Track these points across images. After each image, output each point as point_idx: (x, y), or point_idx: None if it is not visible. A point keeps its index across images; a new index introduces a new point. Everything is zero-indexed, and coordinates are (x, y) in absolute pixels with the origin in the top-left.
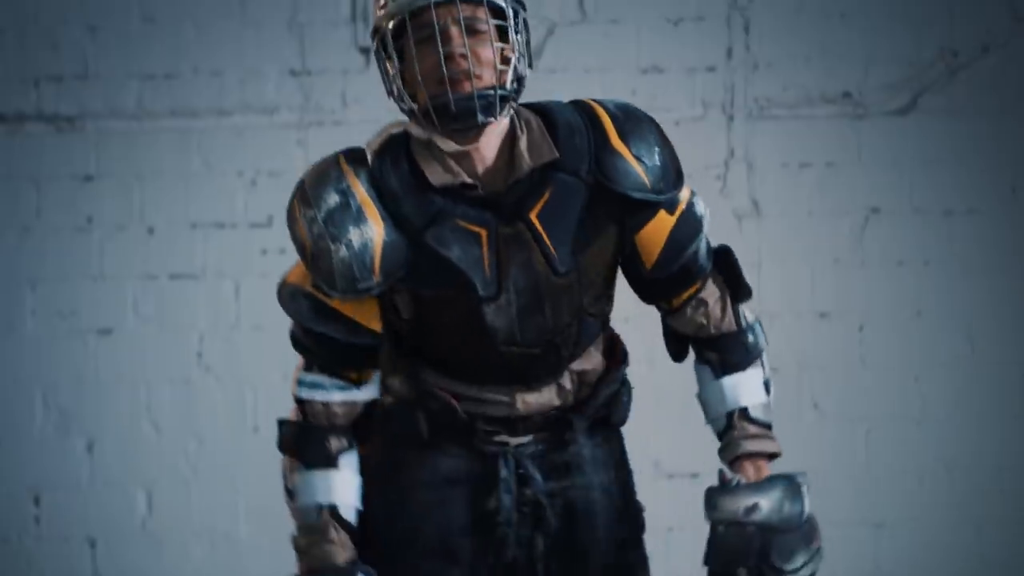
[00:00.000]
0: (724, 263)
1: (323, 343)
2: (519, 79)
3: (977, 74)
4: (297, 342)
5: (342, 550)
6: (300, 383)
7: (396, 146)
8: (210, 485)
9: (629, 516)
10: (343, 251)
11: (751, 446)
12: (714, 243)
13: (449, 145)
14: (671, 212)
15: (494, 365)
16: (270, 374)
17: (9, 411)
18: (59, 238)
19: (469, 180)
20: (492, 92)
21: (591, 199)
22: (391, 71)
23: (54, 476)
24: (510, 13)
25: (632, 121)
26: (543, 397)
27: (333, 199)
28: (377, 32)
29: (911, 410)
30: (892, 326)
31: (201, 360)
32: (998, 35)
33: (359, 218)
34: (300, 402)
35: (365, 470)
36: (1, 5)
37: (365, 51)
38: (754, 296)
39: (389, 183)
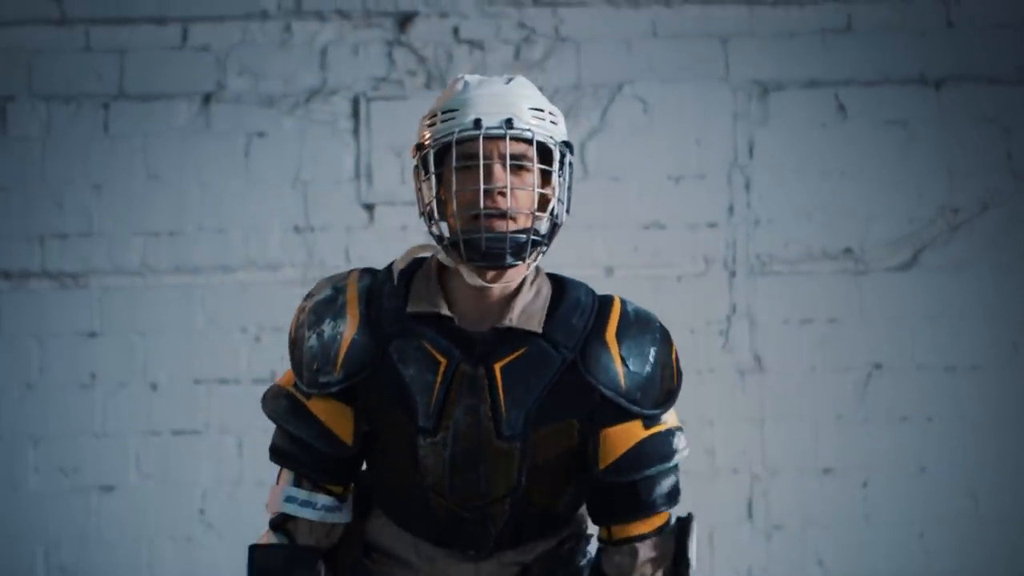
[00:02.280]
0: (679, 529)
1: (304, 450)
2: (555, 225)
3: (977, 231)
4: (279, 452)
5: None
6: (288, 499)
7: (408, 269)
8: None
9: None
10: (313, 340)
11: None
12: (716, 401)
13: (474, 279)
14: (646, 427)
15: (424, 515)
16: None
17: (11, 569)
18: (62, 394)
19: (446, 312)
20: (525, 236)
21: (562, 378)
22: (427, 194)
23: None
24: (556, 156)
25: (639, 327)
26: (460, 566)
27: (326, 293)
28: (419, 149)
29: (915, 567)
30: (896, 482)
31: (203, 516)
32: (997, 193)
33: (339, 313)
34: (285, 519)
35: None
36: (7, 164)
37: (368, 207)
38: (758, 452)
39: (380, 293)
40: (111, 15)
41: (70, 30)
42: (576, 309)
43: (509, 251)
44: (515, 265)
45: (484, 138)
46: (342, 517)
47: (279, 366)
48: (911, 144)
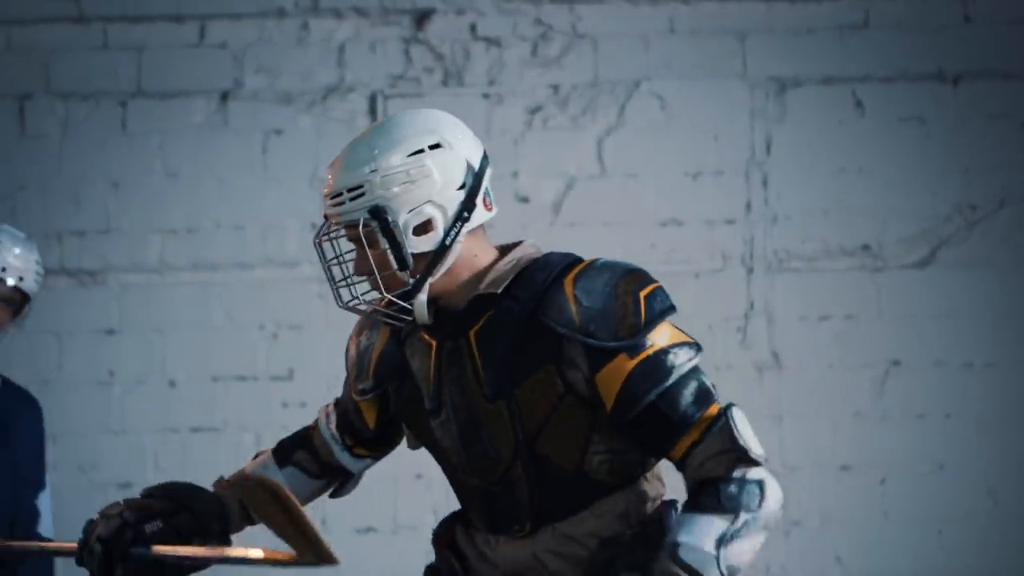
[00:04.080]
0: (725, 425)
1: (341, 405)
2: (407, 269)
3: (994, 228)
4: (338, 401)
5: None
6: (322, 418)
7: None
8: None
9: None
10: (353, 350)
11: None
12: (734, 397)
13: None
14: (631, 358)
15: (470, 501)
16: None
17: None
18: (80, 392)
19: (428, 299)
20: (385, 312)
21: (527, 329)
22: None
23: None
24: (361, 233)
25: (600, 271)
26: (517, 549)
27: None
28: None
29: (933, 564)
30: (914, 479)
31: None
32: (1014, 189)
33: (374, 324)
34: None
35: None
36: (25, 162)
37: None
38: (776, 448)
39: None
40: (128, 13)
41: (87, 28)
42: (544, 268)
43: (383, 317)
44: (398, 320)
45: (320, 235)
46: (340, 456)
47: (296, 363)
48: (928, 141)
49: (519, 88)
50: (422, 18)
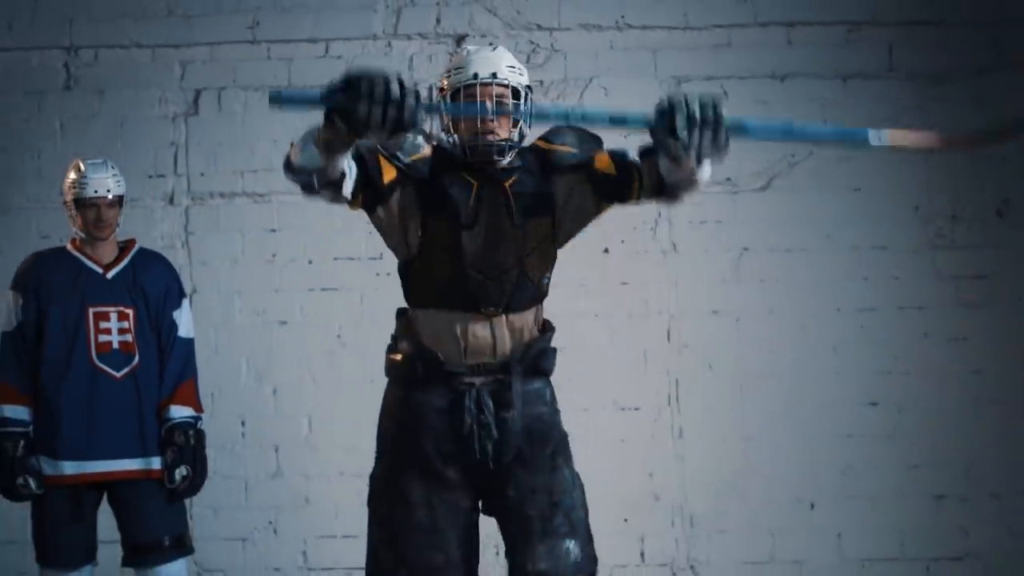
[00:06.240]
0: (645, 152)
1: (356, 155)
2: (522, 136)
3: (806, 167)
4: (358, 151)
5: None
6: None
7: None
8: None
9: (556, 436)
10: (411, 139)
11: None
12: (647, 270)
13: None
14: (602, 150)
15: (460, 286)
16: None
17: (222, 371)
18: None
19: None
20: (504, 143)
21: (539, 187)
22: (445, 119)
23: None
24: (522, 94)
25: (551, 132)
26: (483, 332)
27: (411, 136)
28: (440, 92)
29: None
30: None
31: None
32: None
33: (421, 145)
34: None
35: (383, 404)
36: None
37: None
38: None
39: (442, 154)
40: (285, 37)
41: (256, 47)
42: (530, 150)
43: (495, 152)
44: (498, 161)
45: (480, 84)
46: (344, 187)
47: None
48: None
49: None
50: (460, 39)
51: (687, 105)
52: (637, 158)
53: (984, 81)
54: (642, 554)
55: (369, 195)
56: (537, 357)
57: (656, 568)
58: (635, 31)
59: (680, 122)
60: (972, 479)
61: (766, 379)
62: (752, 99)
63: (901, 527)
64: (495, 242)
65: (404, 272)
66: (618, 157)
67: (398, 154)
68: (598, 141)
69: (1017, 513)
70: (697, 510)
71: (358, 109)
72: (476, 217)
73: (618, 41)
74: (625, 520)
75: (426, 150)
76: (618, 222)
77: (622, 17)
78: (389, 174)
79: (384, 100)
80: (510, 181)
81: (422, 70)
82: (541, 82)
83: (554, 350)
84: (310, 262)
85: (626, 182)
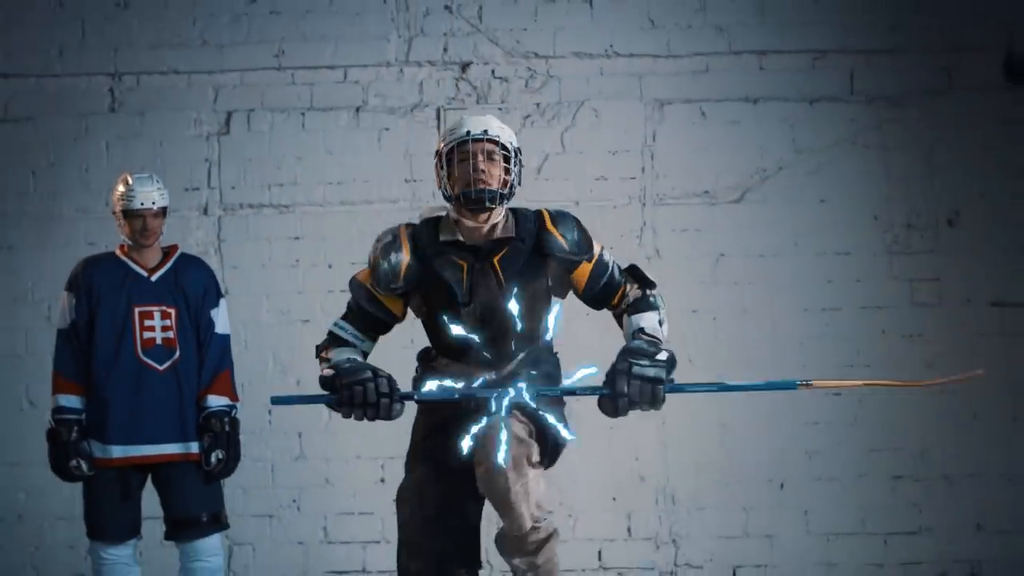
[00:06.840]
0: (632, 273)
1: (361, 314)
2: (511, 189)
3: (776, 182)
4: (350, 309)
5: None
6: (336, 325)
7: (433, 219)
8: None
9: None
10: (385, 265)
11: (645, 333)
12: (624, 264)
13: (470, 220)
14: (589, 262)
15: (467, 349)
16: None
17: (251, 365)
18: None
19: (461, 239)
20: (496, 192)
21: (530, 258)
22: (442, 177)
23: None
24: (512, 152)
25: (560, 216)
26: (495, 375)
27: (387, 239)
28: (438, 154)
29: None
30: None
31: None
32: (788, 159)
33: (398, 248)
34: (331, 334)
35: (413, 428)
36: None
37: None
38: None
39: (421, 235)
40: (307, 64)
41: (282, 73)
42: (526, 220)
43: (487, 199)
44: (491, 208)
45: (472, 141)
46: (361, 345)
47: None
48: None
49: (518, 104)
50: (465, 66)
51: (628, 386)
52: (619, 278)
53: (936, 103)
54: (629, 529)
55: (392, 323)
56: (537, 364)
57: (641, 542)
58: (623, 59)
59: (621, 399)
60: (926, 461)
61: (741, 372)
62: (727, 120)
63: (862, 505)
64: (491, 313)
65: (423, 325)
66: (598, 276)
67: (390, 285)
68: (590, 253)
69: (965, 492)
70: (679, 490)
71: (344, 412)
72: (471, 295)
73: (607, 67)
74: (613, 499)
75: (404, 258)
76: (606, 230)
77: (611, 46)
78: (393, 305)
79: (364, 404)
80: (499, 255)
81: (430, 92)
82: (538, 104)
83: (557, 361)
84: (330, 266)
85: (600, 300)
